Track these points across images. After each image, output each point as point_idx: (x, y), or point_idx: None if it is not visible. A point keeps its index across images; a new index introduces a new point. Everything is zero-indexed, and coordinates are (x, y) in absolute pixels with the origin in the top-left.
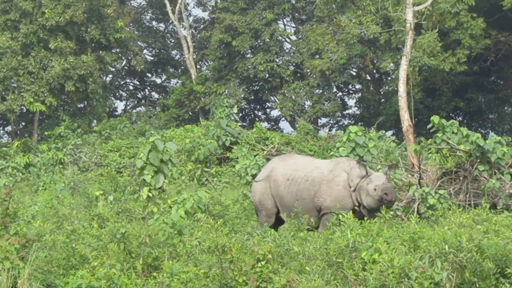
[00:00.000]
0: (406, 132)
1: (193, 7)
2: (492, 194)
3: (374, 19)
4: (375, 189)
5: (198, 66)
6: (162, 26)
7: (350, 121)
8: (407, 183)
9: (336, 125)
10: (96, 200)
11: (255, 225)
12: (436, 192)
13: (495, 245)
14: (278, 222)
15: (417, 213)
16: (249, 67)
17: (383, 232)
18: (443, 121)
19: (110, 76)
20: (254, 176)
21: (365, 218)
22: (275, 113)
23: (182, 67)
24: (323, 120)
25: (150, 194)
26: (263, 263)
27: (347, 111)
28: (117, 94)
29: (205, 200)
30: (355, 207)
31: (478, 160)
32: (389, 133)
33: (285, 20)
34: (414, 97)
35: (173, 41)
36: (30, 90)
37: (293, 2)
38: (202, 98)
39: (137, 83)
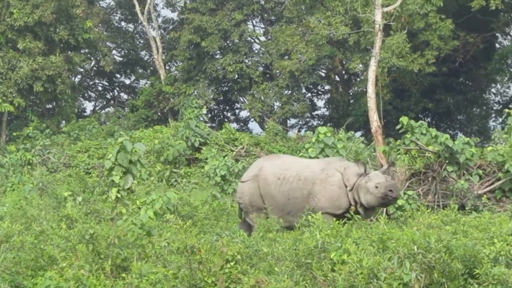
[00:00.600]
0: (375, 133)
1: (162, 8)
2: (461, 195)
3: (343, 20)
4: (376, 187)
5: (167, 67)
6: (131, 26)
7: (319, 122)
8: None
9: (305, 126)
10: (64, 201)
11: (224, 226)
12: (405, 193)
13: (464, 246)
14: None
15: (386, 214)
16: (218, 68)
17: (352, 233)
18: (412, 122)
19: (79, 76)
20: (223, 177)
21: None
22: (244, 114)
23: (151, 68)
24: (292, 121)
25: (119, 195)
26: (232, 264)
27: (316, 112)
28: (85, 94)
29: (174, 201)
30: (352, 206)
31: (447, 161)
32: (358, 134)
33: (254, 21)
34: (383, 98)
35: (142, 41)
36: None
37: (262, 3)
38: (171, 99)
39: (106, 83)
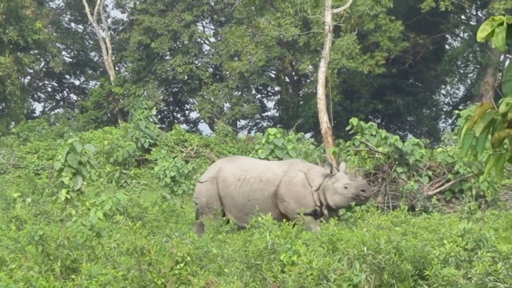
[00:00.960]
0: (325, 134)
1: (112, 9)
2: (411, 196)
3: (293, 21)
4: (346, 187)
5: (116, 68)
6: (80, 27)
7: (269, 123)
8: None
9: (255, 127)
10: (14, 202)
11: (174, 227)
12: None
13: (413, 247)
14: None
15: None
16: (168, 69)
17: (302, 234)
18: (362, 123)
19: (28, 77)
20: (173, 178)
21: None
22: (194, 115)
23: (101, 69)
24: (242, 122)
25: (69, 196)
26: (181, 265)
27: (266, 113)
28: (35, 95)
29: (124, 202)
30: (316, 207)
31: (397, 162)
32: (308, 135)
33: (204, 22)
34: (333, 100)
35: (91, 42)
36: None
37: (212, 4)
38: (120, 100)
39: (56, 84)
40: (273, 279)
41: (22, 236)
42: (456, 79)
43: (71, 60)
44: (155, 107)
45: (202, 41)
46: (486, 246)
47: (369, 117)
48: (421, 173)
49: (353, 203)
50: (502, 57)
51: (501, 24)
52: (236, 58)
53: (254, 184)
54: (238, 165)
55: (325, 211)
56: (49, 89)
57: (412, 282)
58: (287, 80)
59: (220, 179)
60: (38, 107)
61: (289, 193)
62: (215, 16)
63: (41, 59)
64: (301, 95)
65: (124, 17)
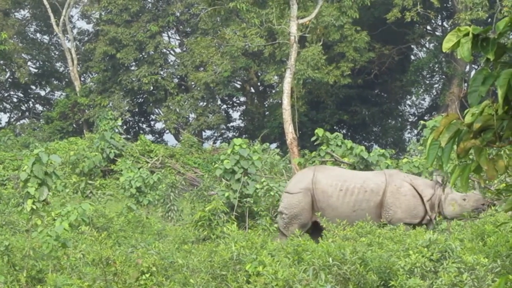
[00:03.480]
0: (290, 144)
1: (78, 20)
2: None
3: (258, 32)
4: (464, 199)
5: (82, 79)
6: (46, 38)
7: (234, 134)
8: None
9: (221, 138)
10: None
11: (139, 237)
12: None
13: (379, 258)
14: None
15: None
16: (134, 79)
17: (267, 244)
18: (327, 133)
19: None
20: (138, 188)
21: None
22: (159, 125)
23: (66, 80)
24: (208, 133)
25: (34, 207)
26: (147, 275)
27: (231, 124)
28: (0, 106)
29: (89, 213)
30: (428, 216)
31: None
32: (274, 145)
33: (169, 33)
34: (298, 110)
35: (57, 53)
36: None
37: (178, 14)
38: (86, 111)
39: (21, 95)
40: None
41: None
42: (421, 90)
43: (36, 70)
44: (120, 118)
45: (168, 52)
46: (452, 257)
47: (335, 127)
48: None
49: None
50: (467, 67)
51: (467, 34)
52: (202, 69)
53: (359, 195)
54: (334, 175)
55: (434, 220)
56: (15, 100)
57: None
58: (253, 90)
59: (318, 190)
60: (3, 118)
61: (397, 202)
62: (181, 26)
63: (7, 70)
64: (266, 105)
65: (89, 27)
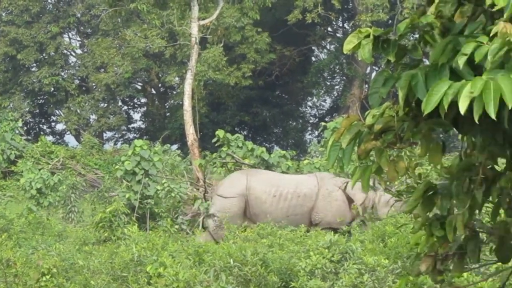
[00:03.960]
0: (191, 146)
1: None
2: None
3: (159, 33)
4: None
5: None
6: None
7: (135, 135)
8: (192, 197)
9: (122, 139)
10: None
11: (40, 239)
12: None
13: (280, 259)
14: None
15: (202, 227)
16: (34, 80)
17: (168, 246)
18: (228, 135)
19: None
20: (39, 190)
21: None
22: (60, 126)
23: None
24: (109, 134)
25: None
26: (48, 277)
27: (132, 125)
28: None
29: None
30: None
31: None
32: (174, 147)
33: (70, 34)
34: (199, 111)
35: None
36: None
37: (79, 15)
38: None
39: None
40: None
41: None
42: (322, 91)
43: None
44: (21, 119)
45: (69, 53)
46: (353, 258)
47: (236, 129)
48: None
49: None
50: (368, 69)
51: (368, 36)
52: (103, 70)
53: (292, 200)
54: (267, 180)
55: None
56: None
57: None
58: (154, 92)
59: (251, 196)
60: None
61: (328, 206)
62: (82, 27)
63: None
64: (167, 107)
65: None
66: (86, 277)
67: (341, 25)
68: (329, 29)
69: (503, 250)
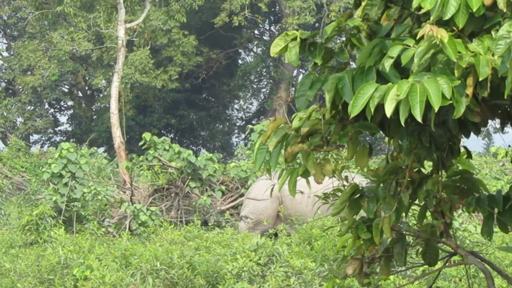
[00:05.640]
0: (118, 149)
1: None
2: (204, 210)
3: (86, 35)
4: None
5: None
6: None
7: (62, 138)
8: (119, 199)
9: (48, 142)
10: None
11: None
12: (147, 209)
13: (206, 262)
14: None
15: (129, 229)
16: None
17: (94, 248)
18: (155, 138)
19: None
20: None
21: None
22: None
23: None
24: (35, 137)
25: None
26: None
27: (59, 128)
28: None
29: None
30: None
31: (190, 177)
32: (101, 149)
33: None
34: (126, 114)
35: None
36: None
37: (5, 18)
38: None
39: None
40: None
41: None
42: (249, 94)
43: None
44: None
45: None
46: (279, 261)
47: (162, 131)
48: (214, 188)
49: None
50: (295, 72)
51: (295, 39)
52: (29, 73)
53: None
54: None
55: None
56: None
57: None
58: (80, 94)
59: (286, 198)
60: None
61: None
62: (8, 30)
63: None
64: (94, 109)
65: None
66: (12, 280)
67: (268, 28)
68: (256, 32)
69: (429, 253)
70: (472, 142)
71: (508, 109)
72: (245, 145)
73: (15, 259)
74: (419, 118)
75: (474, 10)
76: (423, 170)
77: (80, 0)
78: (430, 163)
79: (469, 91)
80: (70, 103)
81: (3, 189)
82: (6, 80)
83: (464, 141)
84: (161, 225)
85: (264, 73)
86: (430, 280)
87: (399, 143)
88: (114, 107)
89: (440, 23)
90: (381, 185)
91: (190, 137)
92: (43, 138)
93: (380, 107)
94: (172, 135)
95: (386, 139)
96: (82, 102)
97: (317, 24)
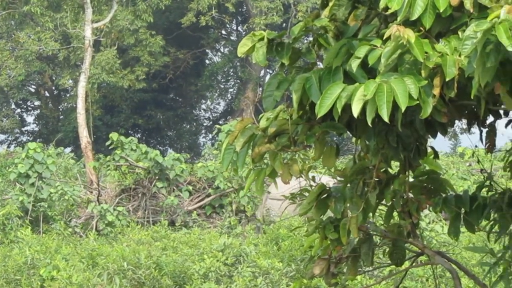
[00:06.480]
0: (84, 149)
1: None
2: (171, 211)
3: (53, 35)
4: None
5: None
6: None
7: (28, 138)
8: (86, 200)
9: (15, 142)
10: None
11: None
12: (115, 209)
13: (174, 262)
14: None
15: (95, 230)
16: None
17: (61, 249)
18: (122, 138)
19: None
20: None
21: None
22: None
23: None
24: (2, 137)
25: None
26: None
27: (25, 128)
28: None
29: None
30: None
31: (157, 177)
32: (68, 149)
33: None
34: (93, 114)
35: None
36: None
37: None
38: None
39: None
40: None
41: None
42: (216, 94)
43: None
44: None
45: None
46: (247, 261)
47: (130, 131)
48: (182, 188)
49: None
50: (262, 72)
51: (262, 39)
52: None
53: None
54: (323, 179)
55: None
56: None
57: None
58: (47, 94)
59: None
60: None
61: None
62: None
63: None
64: (61, 109)
65: None
66: None
67: (235, 28)
68: (223, 32)
69: (396, 253)
70: (439, 143)
71: (475, 109)
72: (212, 145)
73: None
74: (386, 118)
75: (441, 10)
76: (390, 170)
77: (47, 0)
78: (397, 163)
79: (436, 91)
80: (37, 103)
81: None
82: None
83: (431, 141)
84: (128, 225)
85: (232, 73)
86: (397, 280)
87: (366, 143)
88: (81, 107)
89: (407, 23)
90: (348, 185)
91: (157, 137)
92: (10, 138)
93: (347, 107)
94: (139, 135)
95: (354, 139)
96: (49, 102)
97: (284, 24)
